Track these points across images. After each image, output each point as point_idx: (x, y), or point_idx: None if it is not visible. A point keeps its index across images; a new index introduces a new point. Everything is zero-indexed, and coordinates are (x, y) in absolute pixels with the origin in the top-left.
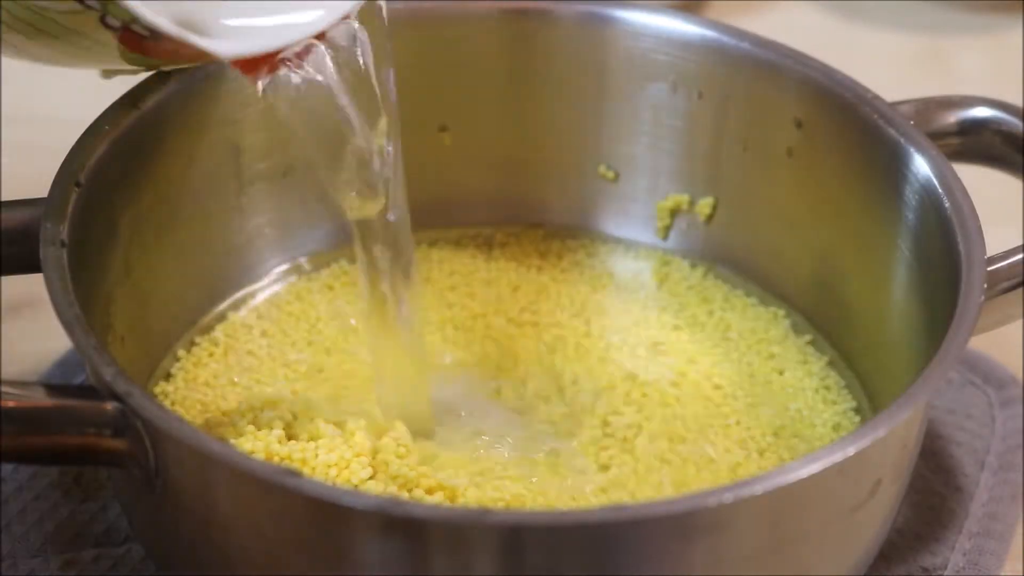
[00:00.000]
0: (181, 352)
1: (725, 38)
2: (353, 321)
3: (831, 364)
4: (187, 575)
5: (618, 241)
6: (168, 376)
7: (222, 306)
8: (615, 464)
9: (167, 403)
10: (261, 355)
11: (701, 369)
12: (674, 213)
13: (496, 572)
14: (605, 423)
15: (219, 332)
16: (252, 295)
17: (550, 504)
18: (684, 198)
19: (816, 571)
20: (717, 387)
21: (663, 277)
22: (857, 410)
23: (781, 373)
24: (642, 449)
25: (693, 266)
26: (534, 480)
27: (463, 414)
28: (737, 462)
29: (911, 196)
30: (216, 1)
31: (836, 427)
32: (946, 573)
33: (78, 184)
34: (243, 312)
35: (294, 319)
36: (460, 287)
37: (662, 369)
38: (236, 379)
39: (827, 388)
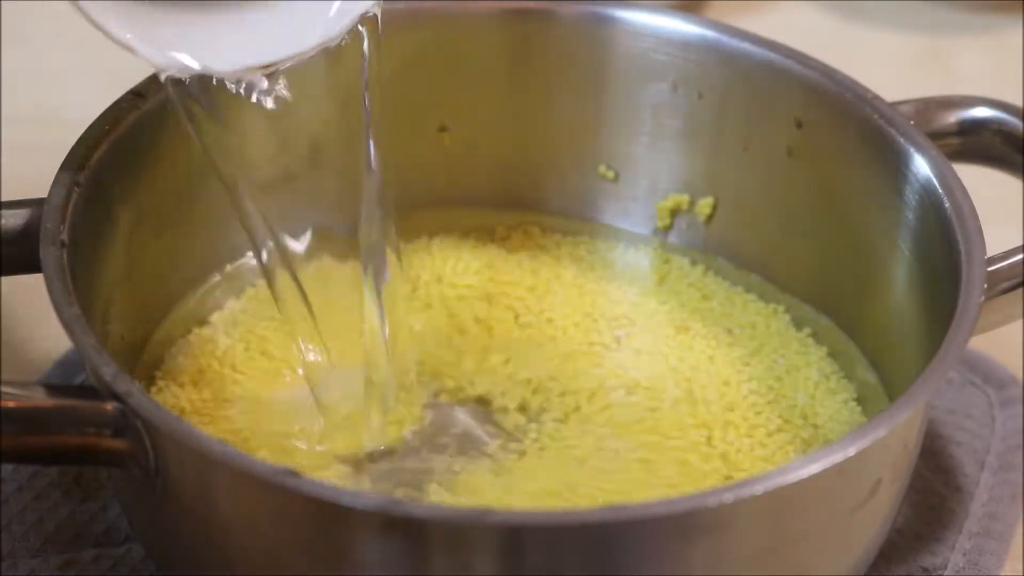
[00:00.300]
0: (181, 350)
1: (725, 38)
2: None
3: (831, 355)
4: (187, 575)
5: (618, 239)
6: (166, 373)
7: (222, 303)
8: (615, 460)
9: (164, 400)
10: (260, 348)
11: (703, 364)
12: (674, 213)
13: (496, 572)
14: (605, 419)
15: (219, 329)
16: (252, 291)
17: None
18: (684, 198)
19: (816, 571)
20: (720, 382)
21: (663, 274)
22: (858, 400)
23: (783, 367)
24: (644, 444)
25: (693, 263)
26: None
27: (458, 407)
28: (742, 456)
29: (911, 196)
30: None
31: (839, 419)
32: (946, 573)
33: (78, 184)
34: (243, 309)
35: None
36: (457, 281)
37: (664, 365)
38: (235, 374)
39: (827, 378)
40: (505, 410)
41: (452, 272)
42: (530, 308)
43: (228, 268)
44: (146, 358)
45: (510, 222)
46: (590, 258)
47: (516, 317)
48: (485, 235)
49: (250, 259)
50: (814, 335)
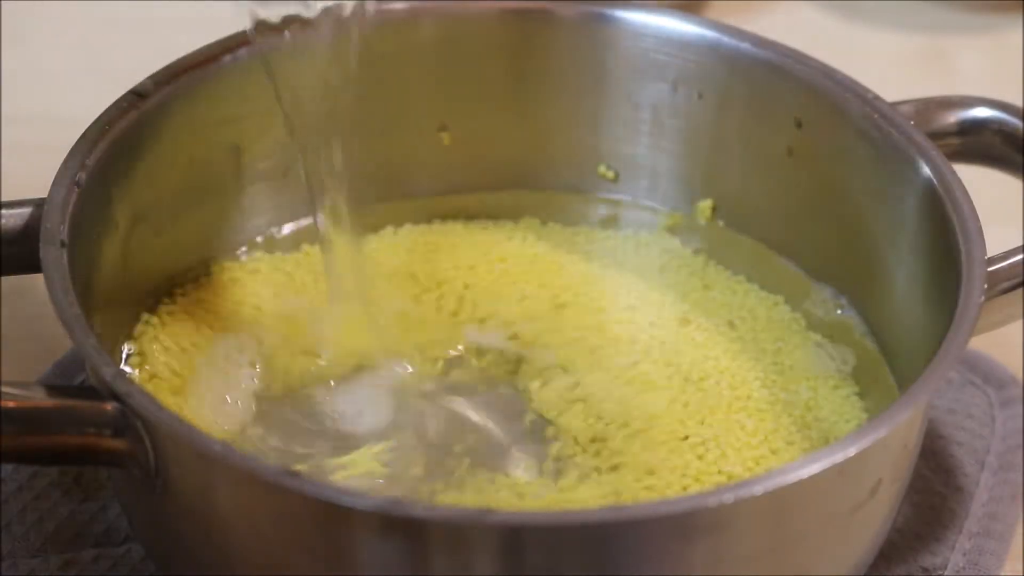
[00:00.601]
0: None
1: (725, 38)
2: None
3: (832, 351)
4: (187, 575)
5: (618, 230)
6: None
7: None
8: (612, 453)
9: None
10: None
11: (705, 356)
12: (674, 218)
13: (496, 572)
14: (604, 410)
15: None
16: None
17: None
18: (679, 217)
19: (816, 571)
20: (721, 378)
21: (664, 264)
22: (860, 396)
23: (785, 362)
24: (643, 439)
25: (695, 252)
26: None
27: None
28: (742, 454)
29: (911, 196)
30: None
31: (841, 415)
32: (946, 573)
33: (78, 184)
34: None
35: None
36: (455, 274)
37: (666, 355)
38: (236, 367)
39: (829, 374)
40: (499, 396)
41: (451, 259)
42: (530, 298)
43: (227, 265)
44: (146, 352)
45: (510, 215)
46: (590, 247)
47: (514, 306)
48: (485, 224)
49: (249, 255)
50: (815, 330)
